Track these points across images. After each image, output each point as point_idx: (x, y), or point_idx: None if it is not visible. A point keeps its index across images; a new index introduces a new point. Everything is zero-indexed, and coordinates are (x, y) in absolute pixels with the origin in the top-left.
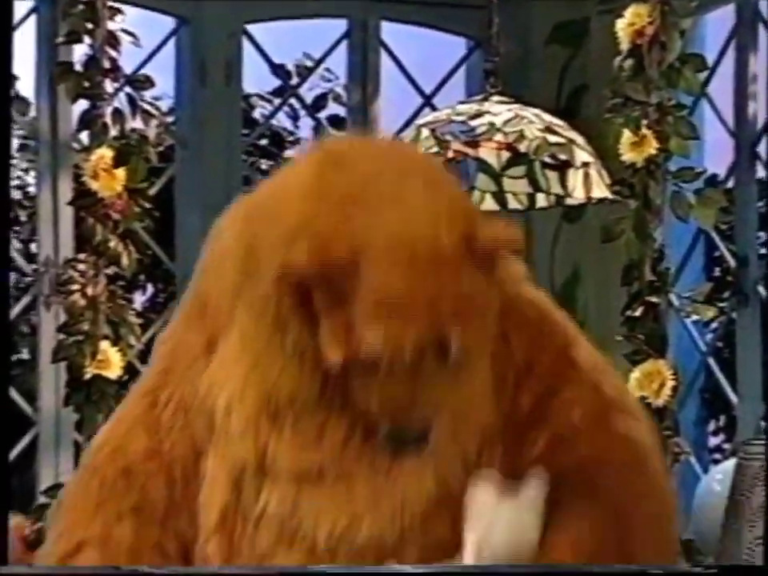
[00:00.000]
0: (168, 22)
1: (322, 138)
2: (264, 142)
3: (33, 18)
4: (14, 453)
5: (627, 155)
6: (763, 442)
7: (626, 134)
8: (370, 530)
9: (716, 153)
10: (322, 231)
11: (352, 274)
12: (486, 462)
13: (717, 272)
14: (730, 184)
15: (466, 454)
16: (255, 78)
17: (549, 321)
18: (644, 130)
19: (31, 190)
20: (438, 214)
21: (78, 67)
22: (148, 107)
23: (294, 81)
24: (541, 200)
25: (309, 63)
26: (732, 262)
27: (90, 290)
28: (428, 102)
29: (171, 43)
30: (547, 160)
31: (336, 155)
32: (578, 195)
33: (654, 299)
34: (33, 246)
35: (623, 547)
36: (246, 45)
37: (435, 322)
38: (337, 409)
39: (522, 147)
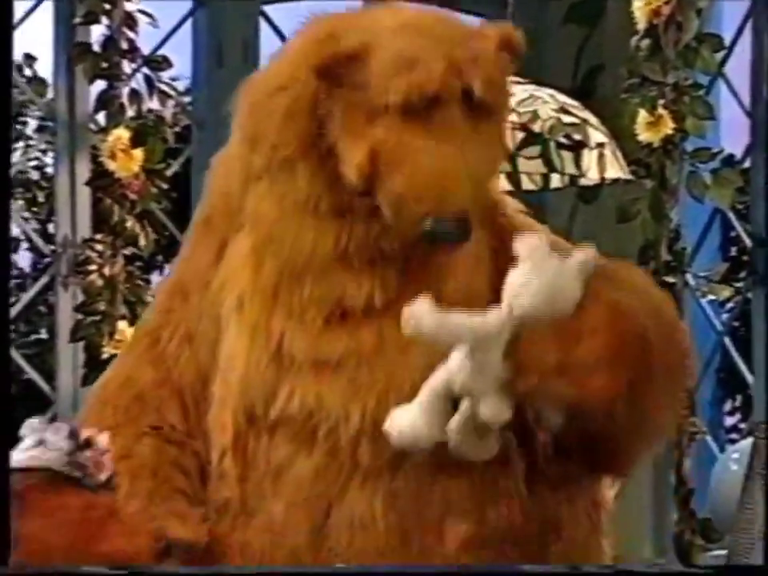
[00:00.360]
0: (185, 3)
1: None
2: None
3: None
4: None
5: (643, 135)
6: None
7: (642, 114)
8: (376, 410)
9: (732, 133)
10: (331, 33)
11: (365, 60)
12: None
13: (733, 252)
14: (747, 164)
15: None
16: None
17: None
18: (660, 110)
19: (49, 170)
20: (438, 17)
21: (95, 48)
22: (165, 88)
23: None
24: (555, 180)
25: None
26: (748, 242)
27: (107, 270)
28: None
29: (188, 24)
30: (561, 140)
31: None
32: (592, 175)
33: (670, 279)
34: (50, 227)
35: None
36: (263, 25)
37: (455, 67)
38: (355, 270)
39: (537, 127)
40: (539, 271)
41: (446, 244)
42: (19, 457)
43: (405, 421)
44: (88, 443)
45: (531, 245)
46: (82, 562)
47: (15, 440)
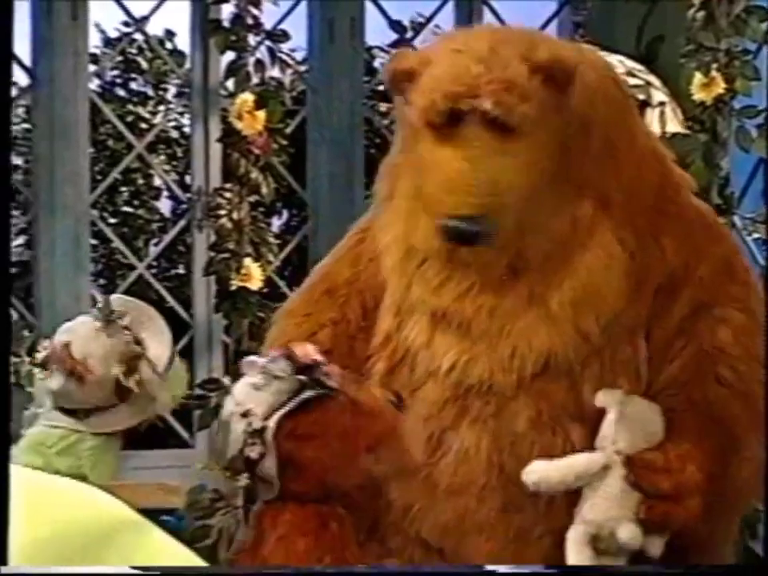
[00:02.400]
0: None
1: None
2: (382, 87)
3: None
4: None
5: (698, 95)
6: None
7: (698, 77)
8: (484, 370)
9: None
10: (403, 52)
11: (417, 79)
12: (620, 356)
13: None
14: None
15: (583, 325)
16: (376, 33)
17: (712, 228)
18: (713, 73)
19: (186, 129)
20: (500, 40)
21: (225, 24)
22: (284, 58)
23: (409, 35)
24: None
25: (421, 20)
26: None
27: (235, 215)
28: None
29: (304, 3)
30: None
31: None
32: (654, 130)
33: (720, 220)
34: (187, 178)
35: (731, 474)
36: (368, 4)
37: (473, 88)
38: (461, 266)
39: None
40: (628, 412)
41: (463, 243)
42: (261, 397)
43: None
44: (313, 361)
45: (613, 394)
46: (359, 457)
47: (15, 437)
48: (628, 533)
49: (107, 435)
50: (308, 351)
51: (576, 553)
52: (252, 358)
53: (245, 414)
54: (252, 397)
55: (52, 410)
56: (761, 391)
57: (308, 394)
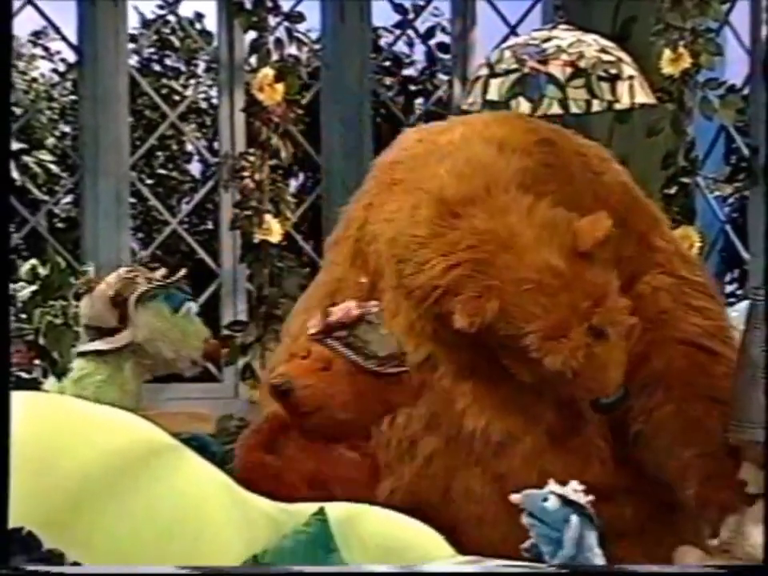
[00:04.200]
0: None
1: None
2: (387, 63)
3: None
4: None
5: (667, 69)
6: None
7: (666, 53)
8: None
9: (735, 67)
10: (469, 298)
11: (504, 319)
12: None
13: (734, 159)
14: (746, 91)
15: None
16: (381, 15)
17: (632, 208)
18: (680, 50)
19: (214, 101)
20: (545, 240)
21: (248, 6)
22: (301, 37)
23: (411, 16)
24: (596, 105)
25: (421, 2)
26: (746, 151)
27: (257, 176)
28: (512, 30)
29: None
30: (601, 74)
31: (446, 203)
32: (624, 101)
33: (685, 180)
34: (215, 144)
35: None
36: None
37: (584, 321)
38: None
39: (582, 64)
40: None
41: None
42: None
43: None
44: (358, 317)
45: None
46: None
47: (66, 372)
48: None
49: (114, 372)
50: (348, 309)
51: None
52: None
53: None
54: None
55: (85, 338)
56: (714, 336)
57: None
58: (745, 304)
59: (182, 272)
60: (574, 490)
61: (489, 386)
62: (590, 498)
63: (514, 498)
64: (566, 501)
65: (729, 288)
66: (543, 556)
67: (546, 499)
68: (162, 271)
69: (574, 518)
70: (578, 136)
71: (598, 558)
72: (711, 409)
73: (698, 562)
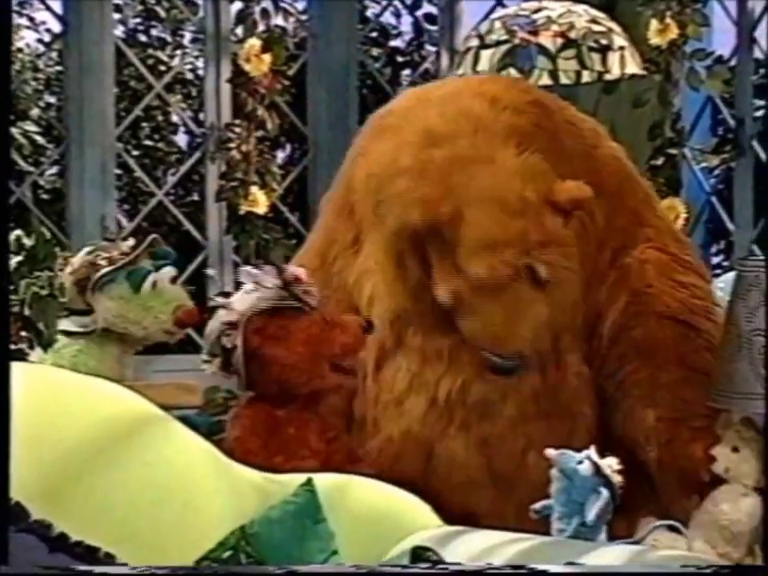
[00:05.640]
0: None
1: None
2: (374, 34)
3: None
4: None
5: (654, 40)
6: (756, 259)
7: (654, 23)
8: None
9: (722, 38)
10: (430, 196)
11: (455, 225)
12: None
13: (720, 131)
14: (733, 62)
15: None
16: None
17: (625, 182)
18: (668, 20)
19: (200, 71)
20: (522, 174)
21: None
22: (287, 7)
23: None
24: (586, 76)
25: None
26: (732, 123)
27: (243, 148)
28: (499, 2)
29: None
30: (592, 45)
31: (432, 134)
32: (615, 71)
33: (672, 151)
34: (201, 115)
35: None
36: None
37: (525, 250)
38: (450, 333)
39: (572, 35)
40: None
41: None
42: (246, 298)
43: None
44: (296, 279)
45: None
46: (321, 365)
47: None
48: None
49: (90, 343)
50: (297, 271)
51: None
52: (248, 267)
53: (226, 308)
54: (239, 298)
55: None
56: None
57: (284, 303)
58: (731, 275)
59: (151, 237)
60: (610, 465)
61: (464, 347)
62: (621, 480)
63: (550, 452)
64: (598, 471)
65: (715, 259)
66: (552, 519)
67: (581, 462)
68: (130, 242)
69: (605, 491)
70: (573, 108)
71: (602, 538)
72: (687, 377)
73: (666, 538)
